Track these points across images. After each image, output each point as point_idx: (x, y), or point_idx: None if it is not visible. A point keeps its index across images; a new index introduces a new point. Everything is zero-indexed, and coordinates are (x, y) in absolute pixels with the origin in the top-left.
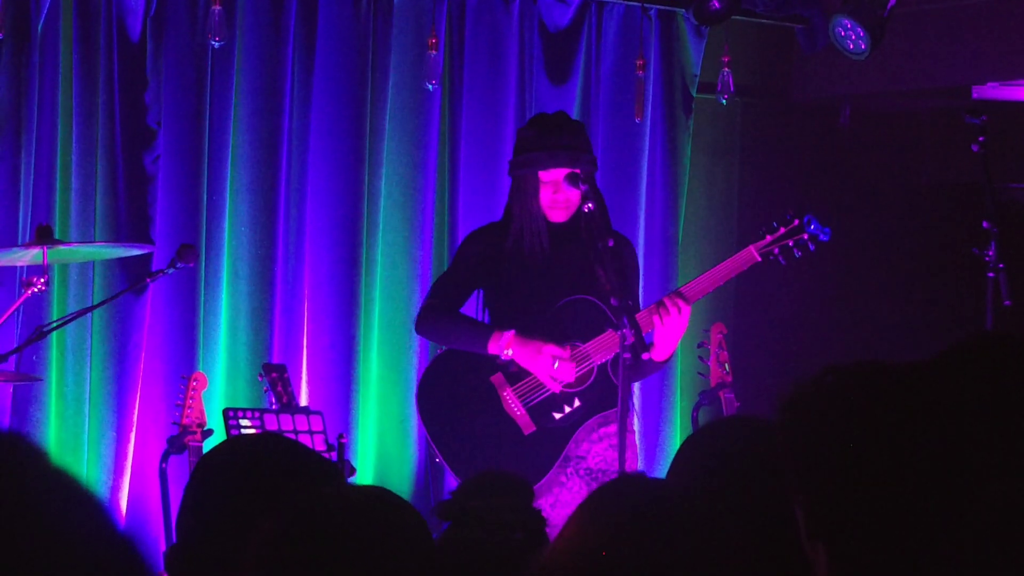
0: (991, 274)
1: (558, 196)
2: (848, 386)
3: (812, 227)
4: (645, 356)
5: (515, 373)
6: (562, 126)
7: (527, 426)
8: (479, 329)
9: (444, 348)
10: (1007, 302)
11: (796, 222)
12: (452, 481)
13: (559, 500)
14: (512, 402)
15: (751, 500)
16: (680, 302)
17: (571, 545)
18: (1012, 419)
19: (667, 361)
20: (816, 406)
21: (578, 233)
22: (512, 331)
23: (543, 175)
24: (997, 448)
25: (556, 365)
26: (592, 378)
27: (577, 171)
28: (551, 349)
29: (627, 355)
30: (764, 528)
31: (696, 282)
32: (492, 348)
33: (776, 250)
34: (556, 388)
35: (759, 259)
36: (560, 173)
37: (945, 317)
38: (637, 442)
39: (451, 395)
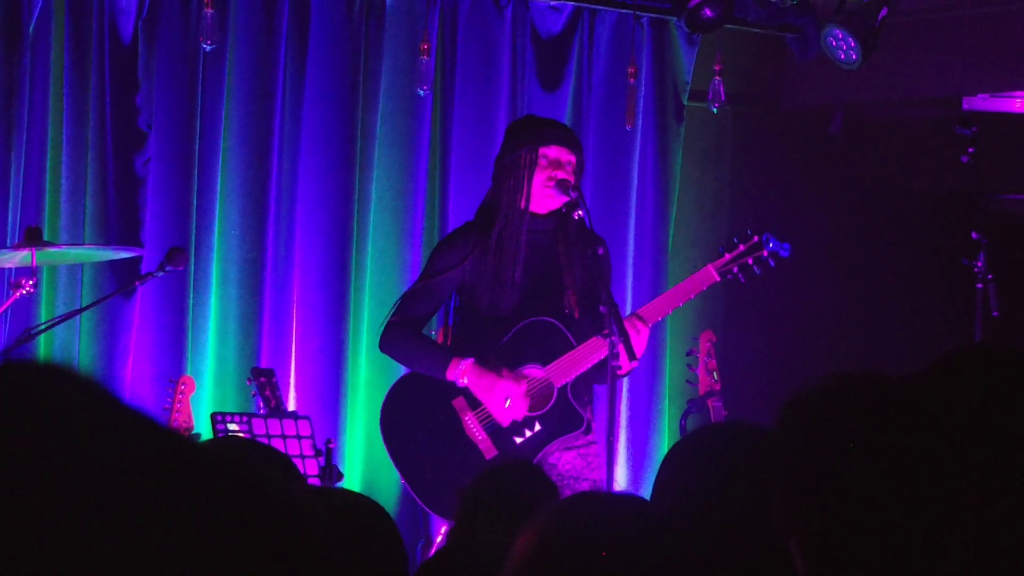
0: (980, 285)
1: (557, 173)
2: (847, 392)
3: (771, 244)
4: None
5: (476, 397)
6: (556, 121)
7: (488, 450)
8: (438, 355)
9: (407, 370)
10: (996, 313)
11: (756, 239)
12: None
13: None
14: (473, 426)
15: (738, 506)
16: (639, 324)
17: (521, 564)
18: (1000, 430)
19: (629, 372)
20: (815, 407)
21: (557, 238)
22: (470, 360)
23: (544, 150)
24: (984, 458)
25: (508, 403)
26: (552, 402)
27: (569, 177)
28: (505, 386)
29: (615, 362)
30: (752, 532)
31: (654, 304)
32: (450, 375)
33: (735, 268)
34: (505, 422)
35: (718, 279)
36: (560, 152)
37: (934, 327)
38: (621, 451)
39: (413, 419)
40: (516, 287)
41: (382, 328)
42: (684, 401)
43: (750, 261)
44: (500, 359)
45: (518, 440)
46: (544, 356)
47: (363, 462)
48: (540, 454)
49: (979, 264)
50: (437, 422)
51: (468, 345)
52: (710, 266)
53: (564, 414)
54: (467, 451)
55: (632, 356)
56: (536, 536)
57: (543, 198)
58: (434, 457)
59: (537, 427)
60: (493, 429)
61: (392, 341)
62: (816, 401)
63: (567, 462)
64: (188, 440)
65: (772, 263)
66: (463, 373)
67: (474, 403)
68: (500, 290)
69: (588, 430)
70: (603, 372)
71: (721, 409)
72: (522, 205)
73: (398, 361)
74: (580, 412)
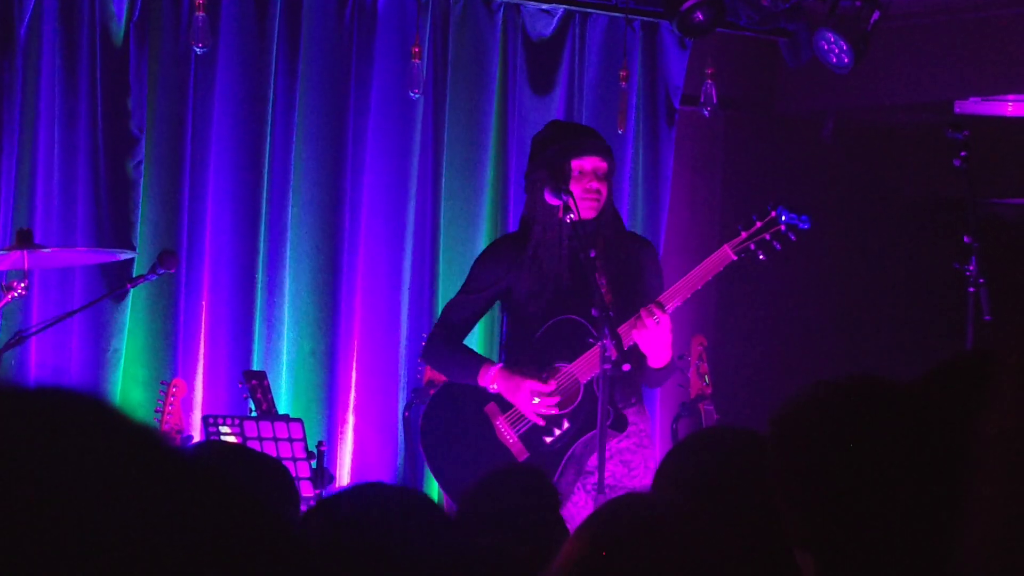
0: (972, 289)
1: (591, 185)
2: (840, 400)
3: (786, 217)
4: (653, 364)
5: (506, 401)
6: (585, 128)
7: (520, 453)
8: (471, 363)
9: (444, 381)
10: (988, 317)
11: (773, 214)
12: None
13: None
14: (505, 430)
15: (738, 510)
16: (657, 312)
17: (571, 570)
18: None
19: (669, 365)
20: (808, 418)
21: (597, 240)
22: (498, 366)
23: (576, 163)
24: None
25: (536, 401)
26: (579, 399)
27: (601, 185)
28: (530, 385)
29: (608, 366)
30: (752, 537)
31: (672, 290)
32: (481, 382)
33: (752, 246)
34: (540, 422)
35: (734, 258)
36: (595, 161)
37: (926, 332)
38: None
39: (451, 429)
40: (553, 294)
41: (426, 340)
42: (675, 405)
43: (768, 236)
44: (532, 357)
45: (548, 440)
46: (572, 353)
47: (354, 465)
48: (569, 452)
49: (971, 268)
50: (472, 430)
51: (516, 354)
52: (726, 246)
53: (592, 410)
54: (500, 455)
55: (624, 360)
56: (582, 541)
57: (584, 207)
58: (470, 464)
59: (566, 424)
60: (524, 432)
61: (432, 353)
62: (808, 413)
63: (607, 470)
64: (181, 452)
65: (792, 236)
66: (492, 379)
67: (504, 408)
68: (538, 300)
69: (618, 426)
70: (649, 373)
71: (712, 413)
72: (559, 216)
73: (438, 371)
74: (608, 406)
